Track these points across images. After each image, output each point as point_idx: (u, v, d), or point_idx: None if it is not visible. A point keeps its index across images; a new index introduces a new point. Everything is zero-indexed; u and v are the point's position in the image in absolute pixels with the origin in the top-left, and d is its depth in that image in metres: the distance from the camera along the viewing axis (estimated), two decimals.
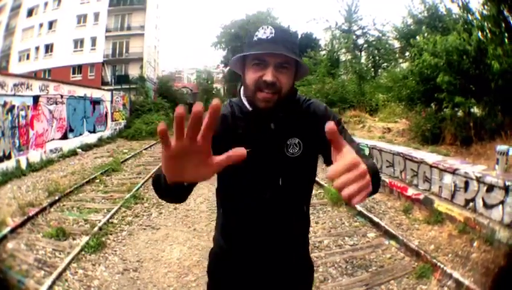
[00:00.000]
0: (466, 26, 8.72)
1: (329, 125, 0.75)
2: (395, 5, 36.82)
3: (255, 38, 1.34)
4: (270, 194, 1.46)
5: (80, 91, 17.02)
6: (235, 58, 1.42)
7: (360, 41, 26.00)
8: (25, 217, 6.07)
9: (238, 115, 1.47)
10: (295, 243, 1.62)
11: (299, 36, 35.99)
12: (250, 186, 1.47)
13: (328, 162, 1.36)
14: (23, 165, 10.88)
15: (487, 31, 8.25)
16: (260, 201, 1.47)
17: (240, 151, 0.81)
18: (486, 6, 8.04)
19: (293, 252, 1.61)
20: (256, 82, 1.33)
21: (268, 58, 1.31)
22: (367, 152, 8.91)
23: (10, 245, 5.14)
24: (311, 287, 1.78)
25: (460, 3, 9.27)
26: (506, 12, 7.73)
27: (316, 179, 8.44)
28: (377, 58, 24.08)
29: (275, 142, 1.43)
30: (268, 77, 1.30)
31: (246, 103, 1.46)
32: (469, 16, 8.87)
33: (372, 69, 24.05)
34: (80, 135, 16.54)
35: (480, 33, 8.45)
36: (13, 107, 10.88)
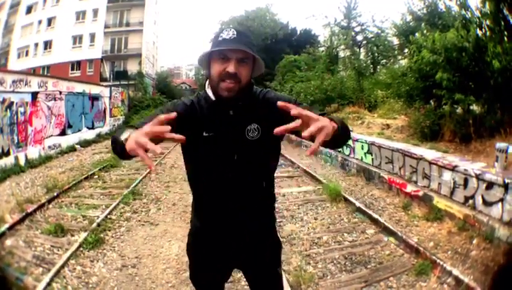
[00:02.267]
0: (464, 22, 8.68)
1: (280, 104, 1.26)
2: (394, 2, 36.74)
3: (220, 38, 1.58)
4: (231, 172, 1.69)
5: (79, 87, 16.97)
6: (202, 56, 1.65)
7: (359, 37, 25.90)
8: (23, 213, 6.06)
9: (203, 104, 1.71)
10: (258, 217, 1.83)
11: (298, 32, 36.04)
12: (213, 167, 1.70)
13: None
14: (22, 162, 10.86)
15: (486, 28, 8.24)
16: (223, 179, 1.70)
17: (179, 136, 1.22)
18: (485, 4, 8.00)
19: (257, 226, 1.83)
20: (220, 73, 1.57)
21: (231, 54, 1.55)
22: (366, 148, 8.91)
23: (8, 242, 5.12)
24: (279, 263, 2.00)
25: (458, 2, 9.24)
26: (505, 11, 7.70)
27: (315, 175, 8.34)
28: (376, 54, 23.99)
29: (234, 127, 1.67)
30: (231, 68, 1.54)
31: (210, 94, 1.69)
32: (467, 13, 8.83)
33: (371, 66, 23.98)
34: (79, 131, 16.54)
35: (478, 30, 8.44)
36: (12, 103, 10.84)
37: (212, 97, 1.67)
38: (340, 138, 1.41)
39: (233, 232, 1.78)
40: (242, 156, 1.67)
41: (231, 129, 1.66)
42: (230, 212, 1.74)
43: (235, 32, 1.57)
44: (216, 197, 1.74)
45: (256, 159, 1.70)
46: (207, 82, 1.73)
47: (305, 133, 1.18)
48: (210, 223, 1.81)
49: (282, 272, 2.01)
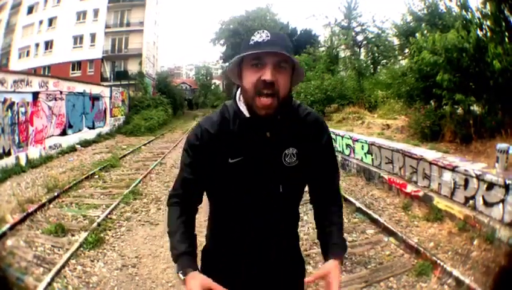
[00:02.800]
0: (465, 23, 8.67)
1: (308, 280, 1.46)
2: (394, 2, 36.73)
3: (251, 42, 1.34)
4: (268, 201, 1.48)
5: (79, 87, 17.00)
6: (233, 62, 1.41)
7: (360, 38, 25.91)
8: (24, 213, 6.06)
9: (231, 122, 1.45)
10: (285, 238, 1.65)
11: (299, 32, 36.07)
12: (246, 193, 1.47)
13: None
14: (23, 162, 10.85)
15: (487, 29, 8.23)
16: (258, 208, 1.48)
17: None
18: (486, 5, 7.99)
19: (283, 246, 1.64)
20: (256, 84, 1.32)
21: (266, 58, 1.30)
22: (366, 149, 8.90)
23: (9, 242, 5.12)
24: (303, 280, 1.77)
25: (459, 2, 9.23)
26: (506, 12, 7.70)
27: None
28: (376, 54, 23.98)
29: (270, 151, 1.44)
30: (267, 76, 1.29)
31: (242, 108, 1.44)
32: (467, 13, 8.82)
33: (371, 66, 23.99)
34: (79, 131, 16.54)
35: (479, 31, 8.43)
36: (13, 103, 10.85)
37: (246, 113, 1.42)
38: None
39: (258, 252, 1.58)
40: (281, 184, 1.47)
41: (267, 153, 1.43)
42: (258, 237, 1.54)
43: (268, 34, 1.33)
44: (245, 224, 1.53)
45: (291, 186, 1.51)
46: (238, 92, 1.48)
47: None
48: (233, 245, 1.60)
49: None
